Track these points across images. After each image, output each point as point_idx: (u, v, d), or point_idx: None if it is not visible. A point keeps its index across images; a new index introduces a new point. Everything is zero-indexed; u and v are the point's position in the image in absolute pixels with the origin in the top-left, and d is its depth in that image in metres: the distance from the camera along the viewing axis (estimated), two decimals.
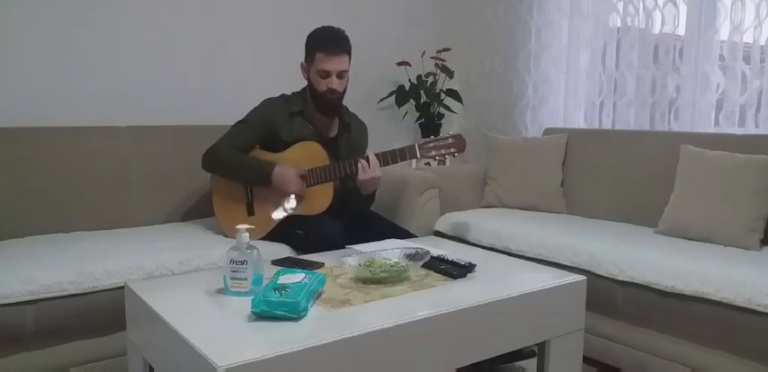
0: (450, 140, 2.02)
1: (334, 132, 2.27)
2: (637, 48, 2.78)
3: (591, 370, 2.03)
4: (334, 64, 2.08)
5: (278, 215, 2.10)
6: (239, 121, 2.20)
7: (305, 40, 2.15)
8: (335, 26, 2.15)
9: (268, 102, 2.22)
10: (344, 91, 2.16)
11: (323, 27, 2.15)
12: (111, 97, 2.59)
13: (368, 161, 2.02)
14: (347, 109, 2.30)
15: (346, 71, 2.13)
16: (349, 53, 2.13)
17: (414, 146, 2.03)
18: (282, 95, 2.24)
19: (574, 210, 2.67)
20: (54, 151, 2.24)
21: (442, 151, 2.01)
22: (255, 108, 2.21)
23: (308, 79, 2.16)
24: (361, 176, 2.02)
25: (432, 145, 2.02)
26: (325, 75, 2.09)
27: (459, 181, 2.85)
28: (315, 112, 2.20)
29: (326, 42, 2.10)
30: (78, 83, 2.51)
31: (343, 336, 1.17)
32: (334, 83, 2.09)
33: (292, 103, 2.20)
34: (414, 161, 3.11)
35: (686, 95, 2.63)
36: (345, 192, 2.17)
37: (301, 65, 2.18)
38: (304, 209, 2.10)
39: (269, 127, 2.15)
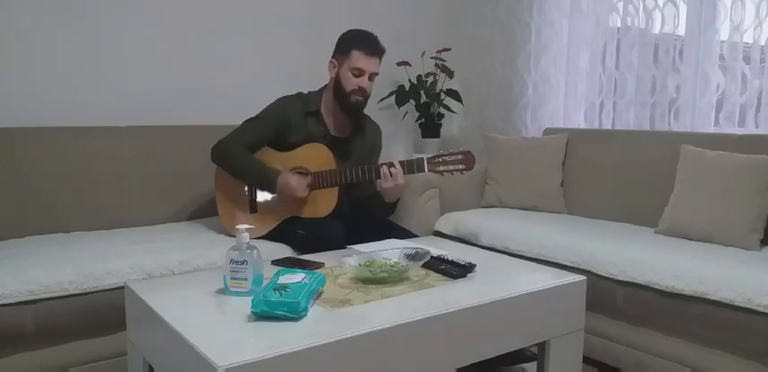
0: (459, 156, 2.01)
1: (346, 133, 2.25)
2: (637, 48, 2.78)
3: (591, 370, 2.03)
4: (370, 64, 2.10)
5: None
6: (252, 118, 2.17)
7: (337, 39, 2.16)
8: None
9: (284, 100, 2.19)
10: (370, 94, 2.16)
11: (357, 29, 2.16)
12: (111, 97, 2.58)
13: (389, 168, 1.99)
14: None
15: (377, 74, 2.15)
16: (382, 57, 2.15)
17: (422, 159, 2.02)
18: (299, 93, 2.22)
19: (574, 210, 2.67)
20: (54, 151, 2.24)
21: (451, 167, 2.01)
22: (270, 105, 2.19)
23: (337, 76, 2.13)
24: (385, 184, 2.01)
25: (440, 160, 2.02)
26: (359, 73, 2.10)
27: (459, 181, 2.83)
28: (330, 112, 2.19)
29: (365, 42, 2.11)
30: (78, 83, 2.51)
31: (343, 336, 1.17)
32: (365, 82, 2.11)
33: (309, 103, 2.18)
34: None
35: (686, 95, 2.63)
36: (364, 199, 2.15)
37: (330, 62, 2.16)
38: (308, 212, 2.09)
39: (282, 125, 2.13)
